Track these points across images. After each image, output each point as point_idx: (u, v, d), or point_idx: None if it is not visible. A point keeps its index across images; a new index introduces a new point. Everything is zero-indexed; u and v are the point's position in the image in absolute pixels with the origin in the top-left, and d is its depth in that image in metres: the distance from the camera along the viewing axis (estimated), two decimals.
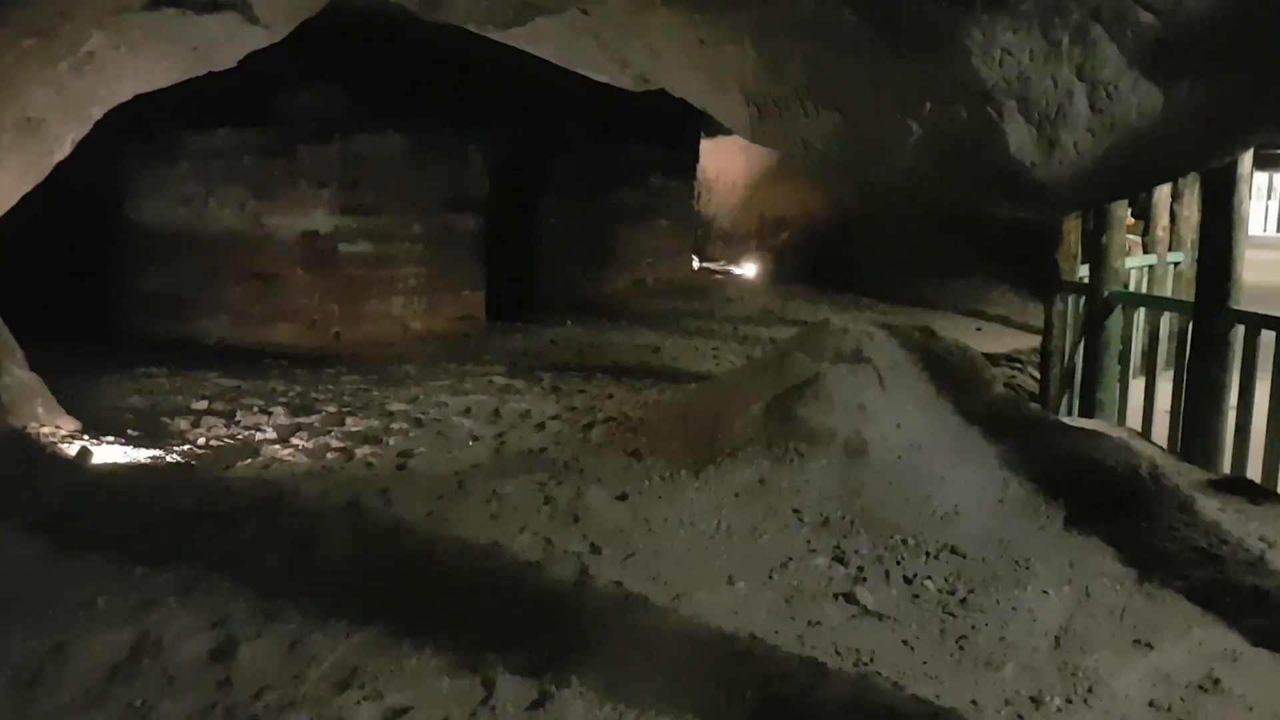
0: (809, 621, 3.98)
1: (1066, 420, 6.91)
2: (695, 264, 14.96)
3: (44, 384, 6.19)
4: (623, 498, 5.13)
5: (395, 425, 6.65)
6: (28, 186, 7.02)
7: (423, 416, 6.88)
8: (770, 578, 4.34)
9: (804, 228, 16.08)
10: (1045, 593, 4.25)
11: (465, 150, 10.00)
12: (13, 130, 6.45)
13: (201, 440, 6.29)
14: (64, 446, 5.91)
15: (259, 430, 6.51)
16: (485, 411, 7.03)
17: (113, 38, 6.33)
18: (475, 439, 6.40)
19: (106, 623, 3.69)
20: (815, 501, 5.00)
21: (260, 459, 5.95)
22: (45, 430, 6.03)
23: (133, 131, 8.23)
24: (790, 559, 4.52)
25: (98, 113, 6.93)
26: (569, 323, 10.80)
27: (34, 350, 6.40)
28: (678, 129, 13.04)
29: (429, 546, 4.56)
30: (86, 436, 6.09)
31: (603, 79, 6.68)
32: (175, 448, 6.12)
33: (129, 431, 6.36)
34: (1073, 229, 8.23)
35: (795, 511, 4.93)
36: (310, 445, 6.20)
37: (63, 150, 6.96)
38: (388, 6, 6.34)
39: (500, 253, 10.42)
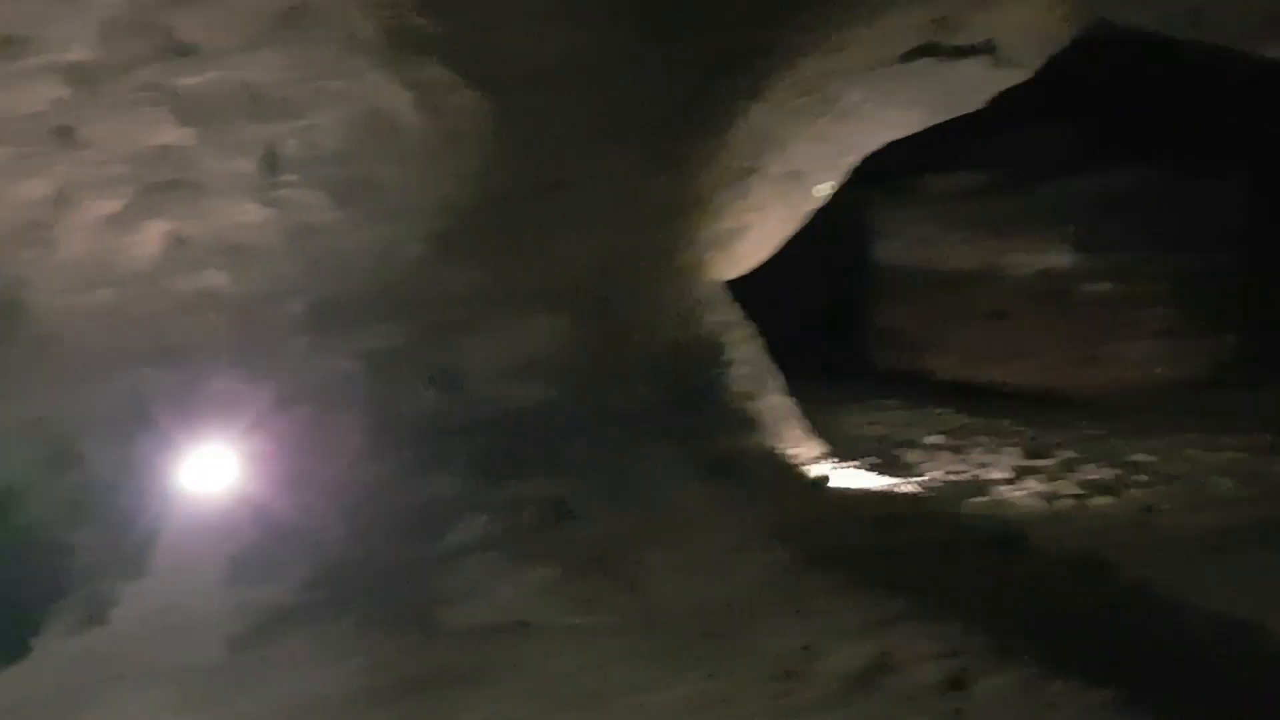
0: None
1: None
2: None
3: (798, 409, 6.80)
4: None
5: (1136, 477, 6.17)
6: (788, 232, 7.83)
7: (1168, 471, 6.30)
8: None
9: None
10: None
11: (1220, 181, 9.04)
12: (780, 182, 7.23)
13: (933, 474, 6.44)
14: (810, 467, 6.44)
15: (989, 469, 6.48)
16: (1244, 472, 6.22)
17: (869, 90, 6.80)
18: (1231, 502, 5.70)
19: (849, 634, 3.90)
20: None
21: (990, 497, 5.92)
22: (795, 451, 6.61)
23: (877, 176, 8.74)
24: None
25: (851, 161, 7.49)
26: None
27: (787, 376, 7.05)
28: None
29: (1170, 612, 4.13)
30: (830, 460, 6.57)
31: None
32: (908, 478, 6.35)
33: (866, 459, 6.73)
34: None
35: None
36: (1042, 489, 6.01)
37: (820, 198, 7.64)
38: (1123, 34, 6.00)
39: (1265, 292, 9.20)
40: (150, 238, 4.72)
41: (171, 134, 4.45)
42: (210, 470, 4.70)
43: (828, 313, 10.24)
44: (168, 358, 4.86)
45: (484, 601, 4.41)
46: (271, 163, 4.67)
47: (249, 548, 4.56)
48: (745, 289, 7.30)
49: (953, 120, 7.42)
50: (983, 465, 6.58)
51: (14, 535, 4.64)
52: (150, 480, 4.68)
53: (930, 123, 7.35)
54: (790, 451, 6.56)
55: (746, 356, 6.82)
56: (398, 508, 4.92)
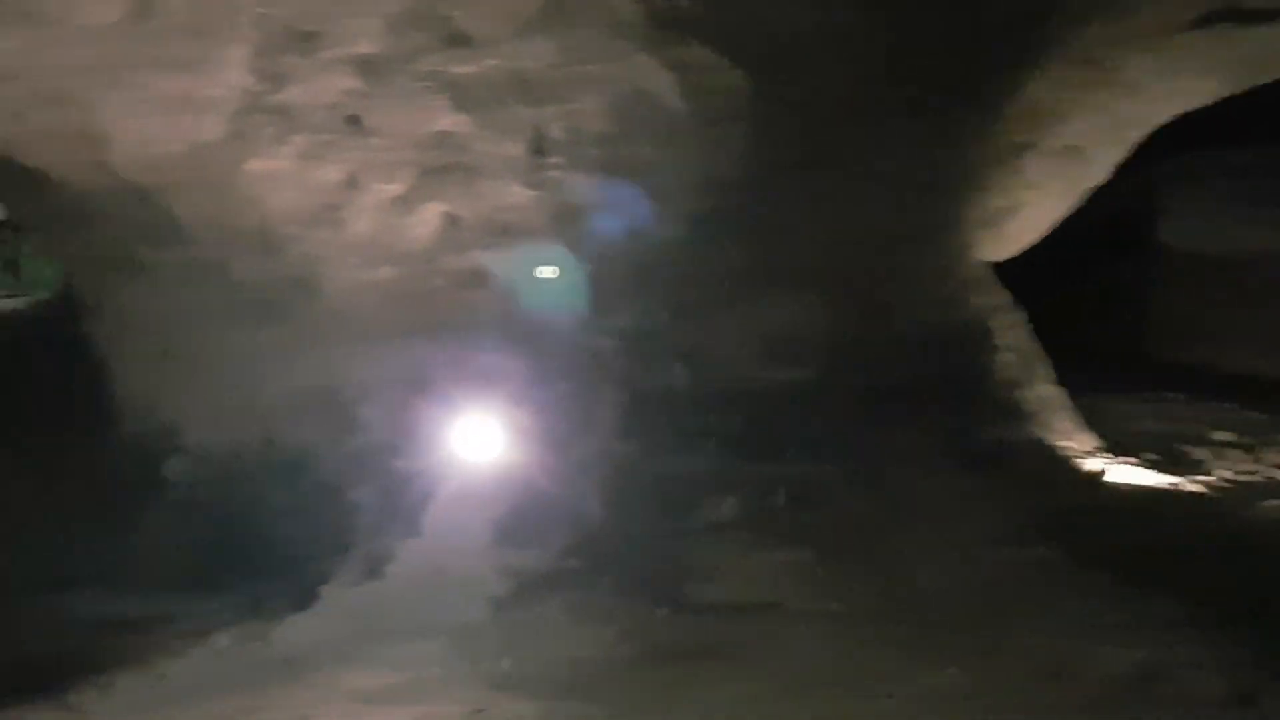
0: None
1: None
2: None
3: (1068, 399, 6.42)
4: None
5: None
6: (1064, 211, 7.38)
7: None
8: None
9: None
10: None
11: None
12: (1056, 157, 6.82)
13: (1220, 473, 5.95)
14: (1080, 460, 6.06)
15: None
16: None
17: (1157, 59, 6.30)
18: None
19: (1121, 637, 3.64)
20: None
21: None
22: (1064, 443, 6.24)
23: (1162, 151, 8.11)
24: None
25: (1136, 135, 6.98)
26: None
27: (1056, 364, 6.65)
28: None
29: None
30: (1103, 454, 6.17)
31: None
32: (1191, 476, 5.89)
33: (1144, 454, 6.29)
34: None
35: None
36: None
37: (1100, 175, 7.16)
38: None
39: None
40: (428, 218, 5.01)
41: (448, 120, 4.70)
42: (477, 438, 4.95)
43: (1102, 298, 9.62)
44: (440, 332, 5.14)
45: (734, 579, 4.43)
46: (538, 146, 4.85)
47: (512, 513, 4.77)
48: (1015, 271, 6.94)
49: (1250, 91, 6.79)
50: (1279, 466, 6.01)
51: (308, 492, 5.06)
52: (424, 446, 4.98)
53: (1226, 93, 6.76)
54: (1059, 444, 6.19)
55: (1013, 342, 6.49)
56: (650, 483, 5.00)
